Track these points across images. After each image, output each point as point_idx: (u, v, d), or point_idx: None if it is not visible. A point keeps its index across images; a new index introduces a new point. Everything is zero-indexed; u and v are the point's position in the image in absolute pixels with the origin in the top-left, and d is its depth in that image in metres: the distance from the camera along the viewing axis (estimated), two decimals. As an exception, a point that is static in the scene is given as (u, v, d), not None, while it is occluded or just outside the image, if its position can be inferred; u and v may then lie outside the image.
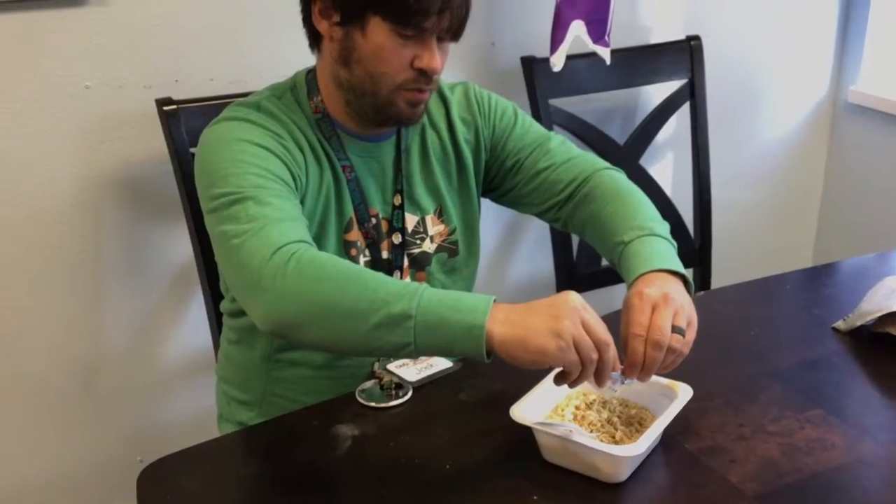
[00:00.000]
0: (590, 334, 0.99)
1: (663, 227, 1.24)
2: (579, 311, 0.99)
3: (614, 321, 1.09)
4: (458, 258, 1.38)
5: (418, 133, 1.34)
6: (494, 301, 1.01)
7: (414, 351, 1.01)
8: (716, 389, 1.21)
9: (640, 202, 1.29)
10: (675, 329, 1.06)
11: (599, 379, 1.02)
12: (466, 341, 0.99)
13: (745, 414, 1.17)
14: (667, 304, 1.07)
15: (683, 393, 1.11)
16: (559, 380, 1.04)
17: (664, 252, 1.19)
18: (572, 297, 1.01)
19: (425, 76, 1.18)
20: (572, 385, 1.04)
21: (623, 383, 1.09)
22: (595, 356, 0.99)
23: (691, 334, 1.09)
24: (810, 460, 1.08)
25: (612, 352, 1.01)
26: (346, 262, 1.07)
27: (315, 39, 1.25)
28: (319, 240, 1.25)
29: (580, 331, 0.98)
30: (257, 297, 1.05)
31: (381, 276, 1.05)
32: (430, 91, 1.23)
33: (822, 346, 1.36)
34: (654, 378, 1.12)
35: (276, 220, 1.09)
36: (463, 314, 0.99)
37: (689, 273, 1.18)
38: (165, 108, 1.53)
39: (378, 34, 1.16)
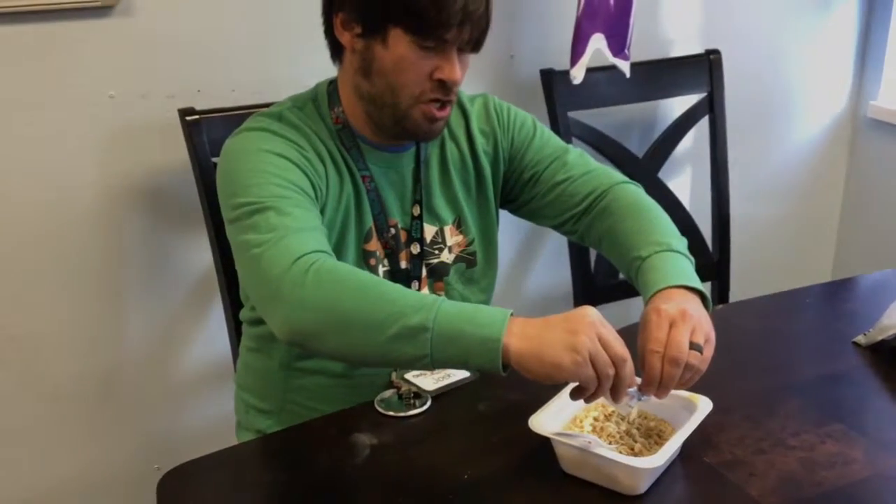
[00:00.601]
0: (607, 349, 0.98)
1: (681, 243, 1.24)
2: (596, 326, 0.99)
3: (631, 334, 1.09)
4: (476, 269, 1.38)
5: (438, 144, 1.34)
6: (511, 314, 1.01)
7: (430, 363, 1.01)
8: (735, 403, 1.21)
9: (658, 217, 1.28)
10: (693, 346, 1.06)
11: (616, 395, 1.02)
12: (482, 354, 0.99)
13: (765, 428, 1.16)
14: (685, 321, 1.07)
15: (703, 406, 1.11)
16: (575, 395, 1.04)
17: (682, 268, 1.18)
18: (590, 311, 1.00)
19: (445, 87, 1.19)
20: (588, 400, 1.04)
21: (640, 399, 1.09)
22: (612, 371, 0.99)
23: (709, 351, 1.09)
24: (831, 475, 1.07)
25: (629, 367, 1.00)
26: (365, 273, 1.08)
27: (337, 51, 1.26)
28: (339, 249, 1.26)
29: (597, 346, 0.98)
30: (276, 306, 1.05)
31: (399, 287, 1.06)
32: (449, 106, 1.23)
33: (843, 360, 1.35)
34: (674, 391, 1.12)
35: (296, 230, 1.10)
36: (479, 327, 0.99)
37: (706, 287, 1.18)
38: (188, 117, 1.55)
39: (399, 46, 1.16)
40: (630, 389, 1.04)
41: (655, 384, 1.06)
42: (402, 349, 1.01)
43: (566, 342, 0.97)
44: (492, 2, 1.18)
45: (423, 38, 1.15)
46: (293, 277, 1.04)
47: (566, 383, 1.06)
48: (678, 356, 1.05)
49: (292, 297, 1.04)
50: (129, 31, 1.60)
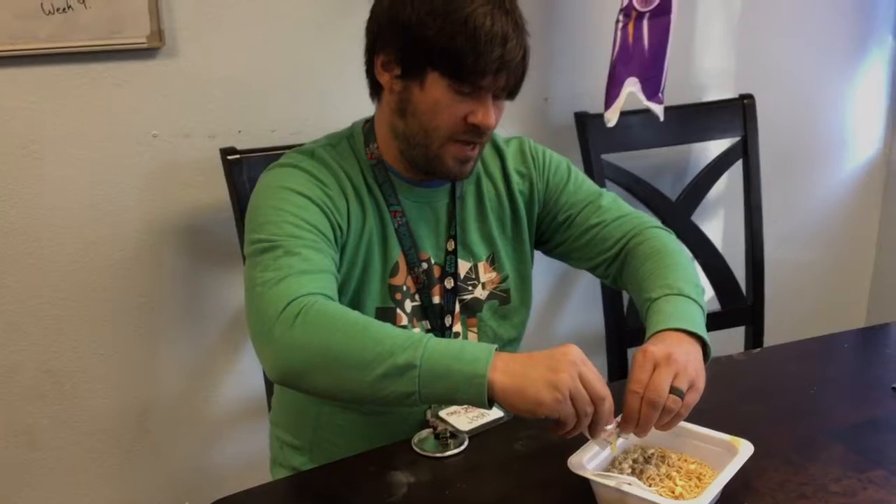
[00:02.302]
0: (587, 388, 1.00)
1: (695, 290, 1.23)
2: (577, 365, 1.01)
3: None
4: (509, 306, 1.39)
5: (474, 182, 1.36)
6: (497, 349, 1.03)
7: (418, 399, 1.03)
8: (776, 447, 1.20)
9: (679, 263, 1.28)
10: (674, 390, 1.06)
11: (593, 431, 1.04)
12: (469, 390, 1.01)
13: (807, 473, 1.15)
14: (668, 365, 1.07)
15: (745, 450, 1.10)
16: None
17: (686, 313, 1.18)
18: (572, 350, 1.02)
19: (477, 131, 1.21)
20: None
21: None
22: (590, 409, 1.01)
23: (692, 397, 1.08)
24: (875, 522, 1.06)
25: (608, 406, 1.02)
26: (355, 313, 1.09)
27: (375, 90, 1.29)
28: (363, 284, 1.27)
29: (577, 384, 1.00)
30: (267, 346, 1.07)
31: (387, 326, 1.07)
32: (479, 148, 1.25)
33: (883, 406, 1.34)
34: (715, 433, 1.12)
35: (300, 272, 1.11)
36: (465, 364, 1.01)
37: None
38: (229, 157, 1.58)
39: (436, 89, 1.18)
40: (609, 426, 1.06)
41: (633, 424, 1.07)
42: (391, 387, 1.02)
43: (547, 380, 0.99)
44: (529, 51, 1.20)
45: (460, 83, 1.17)
46: (284, 319, 1.06)
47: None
48: (656, 399, 1.05)
49: (282, 339, 1.05)
50: (174, 72, 1.63)
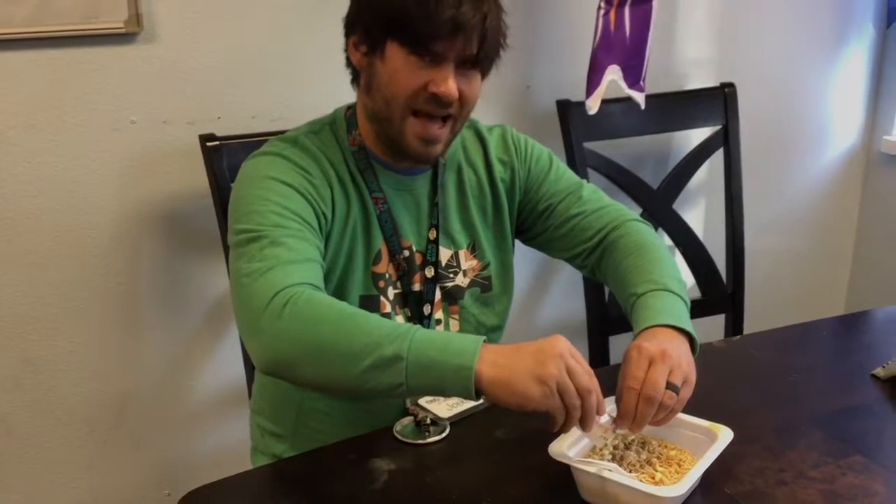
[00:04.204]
0: (573, 381, 1.00)
1: (679, 286, 1.25)
2: (565, 358, 1.00)
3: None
4: (491, 293, 1.39)
5: (455, 169, 1.35)
6: (484, 341, 1.02)
7: (406, 391, 1.02)
8: (755, 434, 1.20)
9: (661, 258, 1.29)
10: (670, 386, 1.07)
11: (584, 425, 1.03)
12: (456, 382, 1.00)
13: (786, 459, 1.16)
14: (663, 361, 1.08)
15: (724, 436, 1.10)
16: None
17: (673, 308, 1.19)
18: (559, 342, 1.02)
19: (439, 101, 1.18)
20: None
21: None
22: (578, 402, 1.00)
23: (686, 392, 1.10)
24: (853, 507, 1.07)
25: (595, 399, 1.01)
26: (343, 304, 1.08)
27: (355, 75, 1.28)
28: (347, 272, 1.27)
29: (564, 377, 0.99)
30: (255, 337, 1.07)
31: (375, 317, 1.07)
32: (449, 128, 1.22)
33: (862, 392, 1.34)
34: (695, 420, 1.13)
35: (286, 262, 1.11)
36: (452, 356, 1.01)
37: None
38: (208, 143, 1.56)
39: (394, 59, 1.17)
40: (603, 420, 1.06)
41: (629, 419, 1.08)
42: (378, 379, 1.02)
43: (534, 373, 0.99)
44: (495, 17, 1.18)
45: (415, 49, 1.16)
46: (272, 310, 1.05)
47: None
48: (653, 395, 1.06)
49: (269, 330, 1.05)
50: (152, 57, 1.62)
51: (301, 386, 1.15)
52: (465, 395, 1.01)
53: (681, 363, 1.10)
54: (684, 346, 1.14)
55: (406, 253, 1.31)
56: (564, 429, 1.03)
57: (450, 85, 1.17)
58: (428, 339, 1.02)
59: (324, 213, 1.22)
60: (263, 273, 1.09)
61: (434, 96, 1.17)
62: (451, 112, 1.20)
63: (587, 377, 1.01)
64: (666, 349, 1.10)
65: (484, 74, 1.23)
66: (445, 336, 1.04)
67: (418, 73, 1.17)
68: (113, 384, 1.76)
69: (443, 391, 1.03)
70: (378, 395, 1.04)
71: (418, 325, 1.05)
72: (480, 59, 1.19)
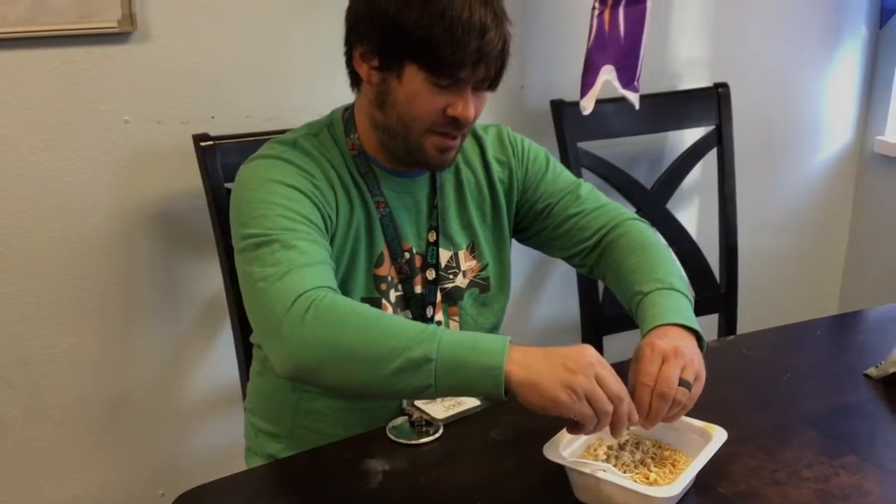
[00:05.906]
0: (604, 388, 1.01)
1: (682, 283, 1.26)
2: (595, 367, 1.01)
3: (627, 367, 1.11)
4: (489, 294, 1.39)
5: (453, 171, 1.35)
6: (510, 342, 1.03)
7: (434, 392, 1.03)
8: (749, 433, 1.21)
9: (663, 256, 1.31)
10: (682, 382, 1.09)
11: (615, 431, 1.04)
12: (485, 381, 1.01)
13: (779, 459, 1.16)
14: (676, 358, 1.10)
15: (718, 436, 1.11)
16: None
17: (680, 307, 1.21)
18: (589, 352, 1.03)
19: (456, 123, 1.20)
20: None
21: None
22: (610, 408, 1.01)
23: (697, 389, 1.11)
24: (846, 507, 1.07)
25: (626, 405, 1.03)
26: (365, 307, 1.09)
27: (355, 80, 1.27)
28: (349, 275, 1.27)
29: (594, 386, 1.00)
30: (277, 343, 1.07)
31: (399, 319, 1.07)
32: (461, 138, 1.24)
33: (855, 392, 1.35)
34: (689, 420, 1.13)
35: (301, 266, 1.10)
36: (481, 355, 1.01)
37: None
38: (202, 143, 1.56)
39: (413, 81, 1.17)
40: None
41: (643, 415, 1.09)
42: (407, 381, 1.02)
43: (563, 380, 1.00)
44: (509, 42, 1.19)
45: (438, 75, 1.16)
46: (294, 316, 1.05)
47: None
48: (667, 391, 1.07)
49: (293, 336, 1.05)
50: (146, 57, 1.61)
51: (324, 390, 1.15)
52: (494, 395, 1.02)
53: (692, 360, 1.11)
54: (694, 343, 1.16)
55: (407, 255, 1.31)
56: (592, 433, 1.04)
57: (470, 109, 1.18)
58: (456, 339, 1.03)
59: (329, 216, 1.22)
60: (280, 277, 1.09)
61: (453, 119, 1.19)
62: (465, 131, 1.23)
63: (617, 384, 1.02)
64: (678, 347, 1.11)
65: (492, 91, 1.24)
66: (472, 336, 1.04)
67: (438, 98, 1.17)
68: (106, 383, 1.75)
69: (471, 391, 1.04)
70: (404, 397, 1.06)
71: (442, 327, 1.05)
72: (494, 80, 1.20)
